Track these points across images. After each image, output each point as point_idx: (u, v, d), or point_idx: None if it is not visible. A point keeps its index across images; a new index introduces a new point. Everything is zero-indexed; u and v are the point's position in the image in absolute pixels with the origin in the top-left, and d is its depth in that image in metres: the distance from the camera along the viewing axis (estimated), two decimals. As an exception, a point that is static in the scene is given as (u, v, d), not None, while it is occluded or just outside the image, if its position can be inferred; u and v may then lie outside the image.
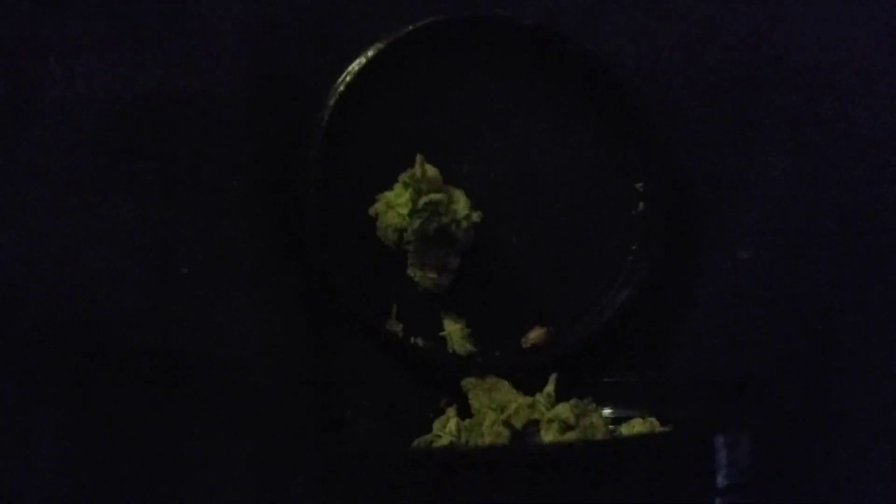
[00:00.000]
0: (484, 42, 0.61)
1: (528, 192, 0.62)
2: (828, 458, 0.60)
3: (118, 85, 0.58)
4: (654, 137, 0.61)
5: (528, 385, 0.59)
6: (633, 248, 0.62)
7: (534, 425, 0.56)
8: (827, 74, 0.63)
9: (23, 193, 0.57)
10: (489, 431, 0.56)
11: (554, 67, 0.61)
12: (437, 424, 0.59)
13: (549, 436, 0.55)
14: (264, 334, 0.58)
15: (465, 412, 0.59)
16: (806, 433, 0.60)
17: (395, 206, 0.58)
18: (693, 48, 0.62)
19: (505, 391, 0.58)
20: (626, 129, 0.61)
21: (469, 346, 0.60)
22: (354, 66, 0.59)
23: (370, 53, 0.59)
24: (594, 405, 0.57)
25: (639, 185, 0.62)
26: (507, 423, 0.56)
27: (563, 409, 0.56)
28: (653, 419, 0.57)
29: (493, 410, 0.57)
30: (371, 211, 0.59)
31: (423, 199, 0.57)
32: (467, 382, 0.59)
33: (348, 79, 0.59)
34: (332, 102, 0.59)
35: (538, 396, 0.58)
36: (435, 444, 0.58)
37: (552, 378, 0.58)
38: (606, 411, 0.58)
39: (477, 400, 0.58)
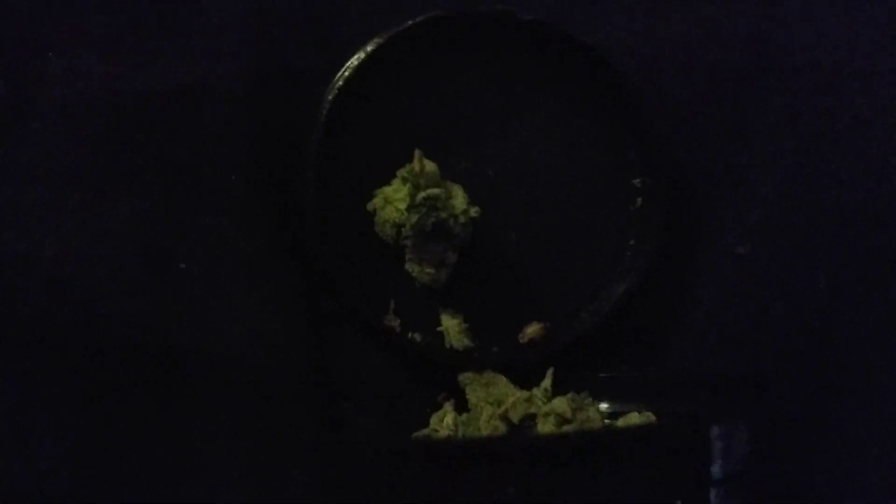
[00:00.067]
0: (483, 37, 0.61)
1: (527, 188, 0.62)
2: (825, 452, 0.60)
3: (118, 82, 0.59)
4: (652, 133, 0.61)
5: (526, 380, 0.59)
6: (631, 243, 0.62)
7: (531, 419, 0.57)
8: (826, 70, 0.63)
9: (22, 191, 0.57)
10: (486, 425, 0.57)
11: (553, 63, 0.61)
12: (434, 418, 0.59)
13: (545, 429, 0.55)
14: (263, 330, 0.58)
15: (462, 407, 0.59)
16: (803, 427, 0.60)
17: (393, 201, 0.58)
18: (692, 45, 0.62)
19: (502, 386, 0.59)
20: (625, 125, 0.61)
21: (466, 341, 0.60)
22: (353, 61, 0.60)
23: (369, 49, 0.60)
24: (591, 399, 0.58)
25: (637, 181, 0.62)
26: (504, 417, 0.57)
27: (560, 403, 0.56)
28: (649, 413, 0.57)
29: (490, 405, 0.58)
30: (369, 206, 0.60)
31: (422, 195, 0.57)
32: (465, 377, 0.59)
33: (347, 74, 0.60)
34: (330, 98, 0.59)
35: (535, 391, 0.58)
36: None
37: (549, 373, 0.58)
38: (603, 406, 0.58)
39: (474, 394, 0.59)
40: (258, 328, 0.58)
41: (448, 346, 0.60)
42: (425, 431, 0.59)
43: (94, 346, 0.56)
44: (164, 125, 0.59)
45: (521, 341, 0.61)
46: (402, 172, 0.59)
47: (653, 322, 0.62)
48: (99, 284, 0.57)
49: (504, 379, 0.59)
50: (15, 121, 0.58)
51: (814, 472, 0.60)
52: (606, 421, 0.57)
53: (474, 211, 0.59)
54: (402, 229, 0.58)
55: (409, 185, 0.58)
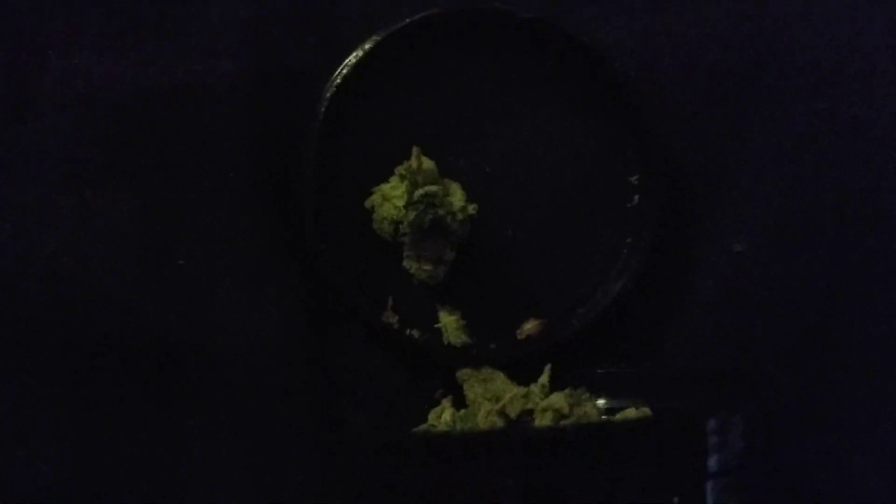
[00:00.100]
0: (481, 35, 0.61)
1: (524, 185, 0.62)
2: (822, 449, 0.60)
3: (117, 80, 0.59)
4: (649, 131, 0.61)
5: (523, 376, 0.59)
6: (628, 240, 0.62)
7: (528, 415, 0.57)
8: (824, 66, 0.63)
9: (21, 189, 0.57)
10: (484, 421, 0.57)
11: (551, 62, 0.62)
12: (432, 415, 0.59)
13: (543, 424, 0.55)
14: (261, 326, 0.58)
15: (460, 403, 0.60)
16: (801, 423, 0.60)
17: (391, 198, 0.59)
18: (690, 43, 0.63)
19: (500, 382, 0.59)
20: (622, 123, 0.62)
21: (464, 338, 0.61)
22: (351, 59, 0.60)
23: (367, 46, 0.60)
24: (588, 395, 0.58)
25: (634, 179, 0.62)
26: (501, 413, 0.57)
27: (558, 399, 0.56)
28: (646, 409, 0.57)
29: (487, 400, 0.58)
30: (367, 203, 0.60)
31: (419, 192, 0.58)
32: (462, 373, 0.60)
33: (345, 72, 0.60)
34: (329, 95, 0.60)
35: (533, 387, 0.58)
36: (430, 434, 0.58)
37: (546, 369, 0.59)
38: (600, 401, 0.59)
39: (472, 390, 0.59)
40: (256, 325, 0.58)
41: (446, 342, 0.60)
42: (423, 427, 0.59)
43: (93, 343, 0.56)
44: (162, 123, 0.59)
45: (518, 338, 0.61)
46: (400, 170, 0.59)
47: (650, 319, 0.62)
48: (97, 281, 0.57)
49: (502, 375, 0.59)
50: (14, 118, 0.58)
51: (810, 469, 0.60)
52: (603, 417, 0.58)
53: (472, 208, 0.59)
54: (400, 226, 0.59)
55: (407, 182, 0.58)
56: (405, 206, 0.58)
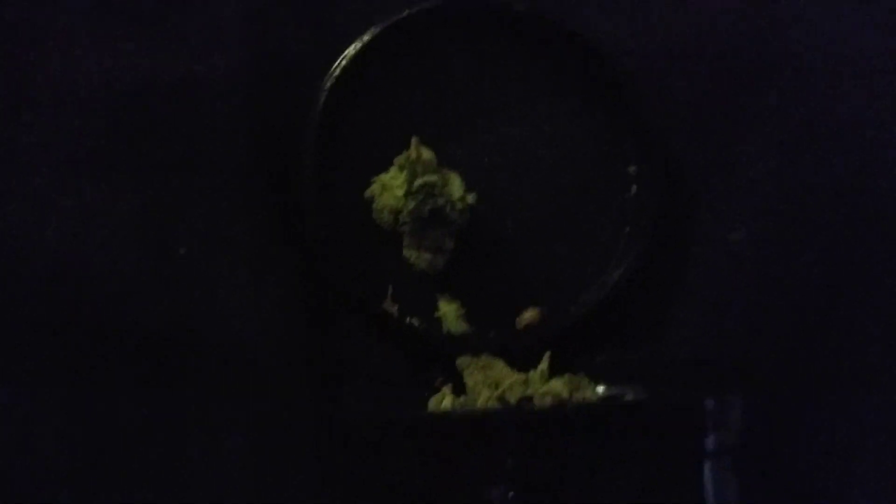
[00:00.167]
0: (479, 27, 0.62)
1: (522, 176, 0.62)
2: (821, 440, 0.60)
3: (116, 73, 0.59)
4: (647, 122, 0.61)
5: (523, 364, 0.60)
6: (626, 230, 0.62)
7: (527, 401, 0.57)
8: (823, 57, 0.63)
9: (21, 182, 0.57)
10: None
11: (548, 52, 0.62)
12: (432, 402, 0.59)
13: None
14: (262, 316, 0.58)
15: (460, 390, 0.60)
16: (799, 410, 0.60)
17: (390, 188, 0.59)
18: (687, 32, 0.63)
19: (499, 369, 0.59)
20: (620, 112, 0.62)
21: (464, 326, 0.61)
22: (350, 50, 0.60)
23: (366, 38, 0.60)
24: (587, 381, 0.58)
25: (631, 169, 0.63)
26: (501, 400, 0.57)
27: (557, 384, 0.56)
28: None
29: (487, 387, 0.58)
30: (367, 193, 0.60)
31: (419, 181, 0.58)
32: (462, 361, 0.60)
33: (344, 63, 0.60)
34: (328, 87, 0.60)
35: (532, 374, 0.58)
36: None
37: (546, 356, 0.59)
38: (599, 388, 0.59)
39: (472, 378, 0.59)
40: (256, 314, 0.58)
41: (446, 331, 0.61)
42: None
43: (92, 335, 0.57)
44: (161, 115, 0.59)
45: (518, 326, 0.61)
46: (399, 160, 0.59)
47: (648, 307, 0.62)
48: (96, 273, 0.57)
49: (501, 362, 0.59)
50: (12, 113, 0.58)
51: (810, 462, 0.60)
52: (603, 402, 0.58)
53: (471, 197, 0.60)
54: (400, 216, 0.59)
55: (406, 171, 0.58)
56: (405, 196, 0.58)
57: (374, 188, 0.60)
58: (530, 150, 0.62)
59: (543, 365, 0.59)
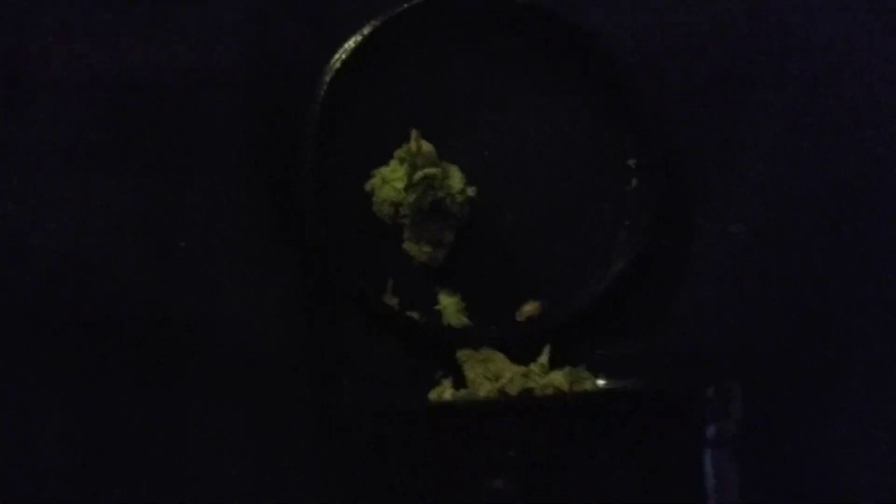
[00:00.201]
0: (479, 20, 0.62)
1: (522, 169, 0.62)
2: (820, 431, 0.60)
3: (117, 65, 0.59)
4: (646, 114, 0.62)
5: (523, 357, 0.60)
6: (626, 223, 0.62)
7: (528, 394, 0.57)
8: (822, 53, 0.63)
9: (20, 173, 0.58)
10: (484, 400, 0.57)
11: (548, 45, 0.62)
12: (432, 395, 0.59)
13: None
14: (262, 310, 0.58)
15: (460, 384, 0.60)
16: (798, 405, 0.60)
17: (390, 180, 0.59)
18: (687, 24, 0.63)
19: (499, 362, 0.59)
20: (619, 106, 0.62)
21: (464, 320, 0.61)
22: (350, 43, 0.60)
23: (366, 31, 0.60)
24: (588, 373, 0.58)
25: (631, 162, 0.63)
26: (501, 392, 0.57)
27: (558, 377, 0.56)
28: (644, 389, 0.57)
29: (487, 380, 0.58)
30: (367, 186, 0.60)
31: (419, 174, 0.58)
32: (462, 354, 0.60)
33: (344, 56, 0.60)
34: (327, 80, 0.60)
35: (532, 366, 0.58)
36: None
37: (546, 349, 0.59)
38: (600, 381, 0.59)
39: (472, 371, 0.59)
40: (257, 306, 0.58)
41: (446, 324, 0.61)
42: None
43: (93, 326, 0.57)
44: (161, 108, 0.59)
45: (518, 319, 0.61)
46: (399, 153, 0.59)
47: (648, 300, 0.62)
48: (97, 269, 0.57)
49: (501, 355, 0.59)
50: (13, 105, 0.58)
51: (809, 456, 0.60)
52: (603, 394, 0.58)
53: (471, 190, 0.60)
54: (400, 209, 0.59)
55: (406, 164, 0.58)
56: (405, 189, 0.58)
57: (375, 181, 0.60)
58: (530, 143, 0.62)
59: (544, 358, 0.59)
